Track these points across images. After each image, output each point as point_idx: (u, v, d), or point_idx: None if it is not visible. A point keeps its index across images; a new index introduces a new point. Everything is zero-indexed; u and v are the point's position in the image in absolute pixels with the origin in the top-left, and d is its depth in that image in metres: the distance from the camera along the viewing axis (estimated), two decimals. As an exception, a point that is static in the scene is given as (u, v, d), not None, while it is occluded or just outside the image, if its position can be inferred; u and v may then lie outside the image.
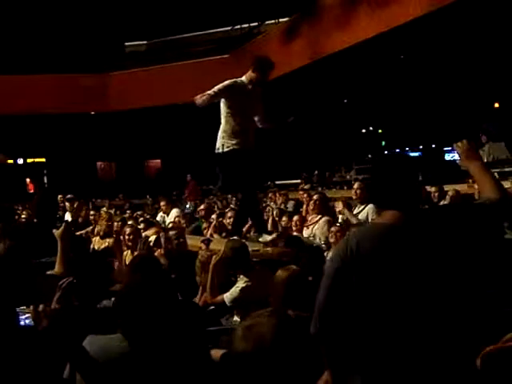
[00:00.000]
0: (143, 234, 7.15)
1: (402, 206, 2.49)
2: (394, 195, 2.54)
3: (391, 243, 2.41)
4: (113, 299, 3.67)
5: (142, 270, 4.14)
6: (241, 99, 5.99)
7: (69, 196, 10.00)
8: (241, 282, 4.91)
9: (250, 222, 7.50)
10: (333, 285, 2.47)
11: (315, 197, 7.29)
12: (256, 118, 6.23)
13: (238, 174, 6.11)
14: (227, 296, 4.91)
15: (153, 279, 2.80)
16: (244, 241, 5.84)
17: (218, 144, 6.09)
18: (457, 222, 2.39)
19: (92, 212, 9.56)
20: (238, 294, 4.86)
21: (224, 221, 7.56)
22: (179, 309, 2.82)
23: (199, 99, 5.92)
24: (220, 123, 6.21)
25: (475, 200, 2.79)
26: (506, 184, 10.29)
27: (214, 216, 8.28)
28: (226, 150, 6.00)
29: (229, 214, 7.58)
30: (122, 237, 6.73)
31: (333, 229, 6.16)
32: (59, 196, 11.06)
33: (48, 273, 4.04)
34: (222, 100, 6.07)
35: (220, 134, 6.11)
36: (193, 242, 6.43)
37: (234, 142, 5.98)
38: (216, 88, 5.98)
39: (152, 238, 6.89)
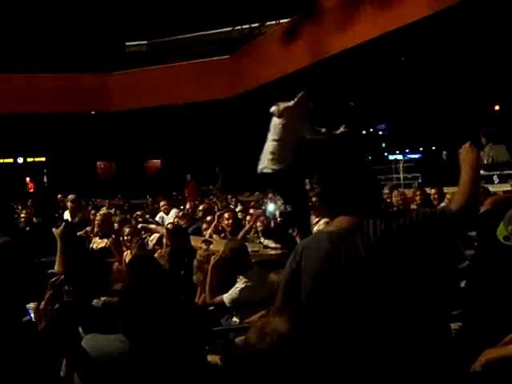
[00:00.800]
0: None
1: (352, 210, 2.37)
2: (337, 200, 2.43)
3: (334, 249, 2.30)
4: (102, 299, 3.68)
5: (140, 269, 4.14)
6: (295, 123, 6.06)
7: (71, 196, 10.01)
8: (240, 283, 4.92)
9: (250, 224, 7.54)
10: (285, 299, 2.42)
11: (313, 199, 7.29)
12: (305, 133, 6.34)
13: (289, 191, 6.10)
14: (226, 297, 4.91)
15: (154, 279, 2.80)
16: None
17: (266, 164, 6.04)
18: (410, 229, 2.24)
19: (93, 211, 9.57)
20: (237, 295, 4.86)
21: (222, 222, 7.50)
22: (181, 309, 2.81)
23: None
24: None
25: (439, 206, 2.64)
26: (506, 186, 10.31)
27: (209, 218, 8.27)
28: (270, 171, 5.99)
29: (226, 216, 7.50)
30: (121, 237, 6.72)
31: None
32: (59, 195, 11.08)
33: (48, 272, 4.04)
34: (279, 121, 5.99)
35: (268, 155, 6.04)
36: (193, 242, 6.44)
37: (282, 164, 5.98)
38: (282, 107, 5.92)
39: (154, 237, 6.89)
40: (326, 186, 2.51)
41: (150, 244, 6.93)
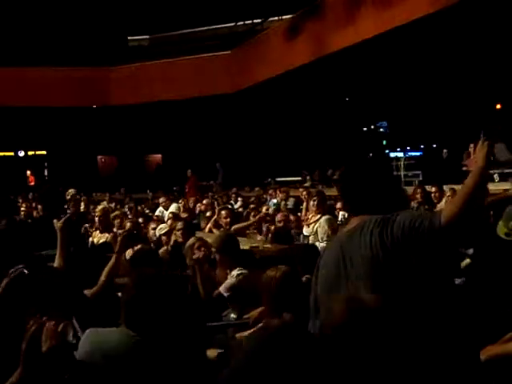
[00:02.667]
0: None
1: (370, 209, 2.33)
2: (357, 200, 2.43)
3: (338, 250, 2.33)
4: None
5: (143, 264, 4.15)
6: None
7: (70, 190, 10.03)
8: (235, 272, 4.91)
9: (250, 222, 7.57)
10: (311, 297, 2.49)
11: (315, 197, 7.31)
12: None
13: None
14: (223, 287, 4.90)
15: (161, 273, 2.81)
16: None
17: None
18: (400, 239, 2.15)
19: (91, 206, 9.61)
20: (234, 281, 4.85)
21: (220, 221, 7.48)
22: (185, 303, 2.82)
23: None
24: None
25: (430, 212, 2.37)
26: (506, 185, 10.32)
27: (208, 214, 8.27)
28: None
29: (223, 214, 7.48)
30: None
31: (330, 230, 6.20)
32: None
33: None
34: None
35: None
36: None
37: None
38: None
39: (163, 227, 6.91)
40: (347, 185, 2.53)
41: (157, 233, 6.95)
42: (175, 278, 2.93)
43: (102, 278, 4.00)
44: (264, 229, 7.65)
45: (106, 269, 4.05)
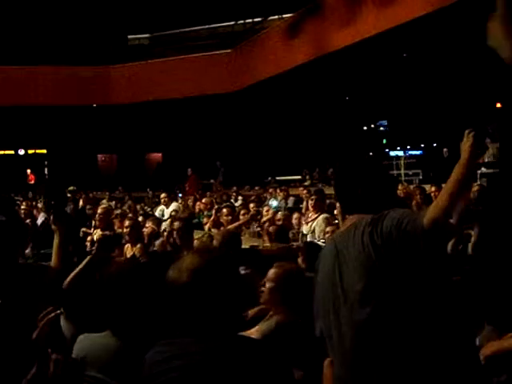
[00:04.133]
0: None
1: (363, 209, 2.31)
2: (349, 199, 2.41)
3: (333, 250, 2.32)
4: None
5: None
6: None
7: (71, 188, 10.05)
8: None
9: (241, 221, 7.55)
10: (314, 298, 2.47)
11: (313, 196, 7.32)
12: None
13: None
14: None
15: (143, 271, 2.76)
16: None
17: None
18: (386, 240, 2.10)
19: (88, 207, 9.62)
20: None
21: (221, 218, 7.47)
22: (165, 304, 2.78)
23: None
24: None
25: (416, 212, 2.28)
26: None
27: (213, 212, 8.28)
28: None
29: (225, 212, 7.47)
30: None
31: (328, 229, 6.18)
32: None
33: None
34: None
35: None
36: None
37: None
38: None
39: (165, 225, 6.91)
40: (339, 184, 2.51)
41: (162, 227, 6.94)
42: (158, 278, 2.88)
43: (68, 278, 3.70)
44: (255, 227, 7.64)
45: (76, 269, 3.83)
